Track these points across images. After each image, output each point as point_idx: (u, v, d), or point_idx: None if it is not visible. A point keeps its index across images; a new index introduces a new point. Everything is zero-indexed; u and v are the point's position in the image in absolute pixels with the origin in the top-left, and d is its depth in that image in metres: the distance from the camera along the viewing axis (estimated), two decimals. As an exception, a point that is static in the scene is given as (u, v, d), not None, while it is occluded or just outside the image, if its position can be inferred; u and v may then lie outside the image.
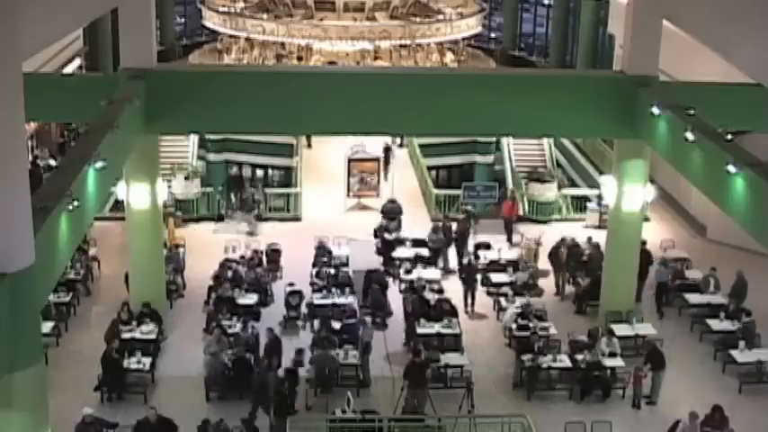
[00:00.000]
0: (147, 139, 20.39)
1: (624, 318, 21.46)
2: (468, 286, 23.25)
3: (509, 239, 27.05)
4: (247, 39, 37.52)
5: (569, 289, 24.21)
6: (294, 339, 21.49)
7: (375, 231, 26.44)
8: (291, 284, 22.82)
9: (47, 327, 19.80)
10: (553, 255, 24.39)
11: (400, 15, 37.45)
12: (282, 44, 36.92)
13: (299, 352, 18.94)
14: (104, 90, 18.96)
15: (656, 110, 18.55)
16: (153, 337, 20.31)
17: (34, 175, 26.45)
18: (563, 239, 24.67)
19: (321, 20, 36.23)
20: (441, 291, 22.77)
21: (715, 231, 27.34)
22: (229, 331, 20.23)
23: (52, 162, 30.28)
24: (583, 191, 31.01)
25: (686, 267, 24.64)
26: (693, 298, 22.92)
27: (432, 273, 24.00)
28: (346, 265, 24.49)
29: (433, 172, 32.47)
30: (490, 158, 33.95)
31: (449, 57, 38.55)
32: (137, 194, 20.84)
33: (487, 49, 46.24)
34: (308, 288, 22.92)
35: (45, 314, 20.17)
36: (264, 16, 36.95)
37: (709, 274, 23.57)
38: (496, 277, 24.01)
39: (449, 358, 19.78)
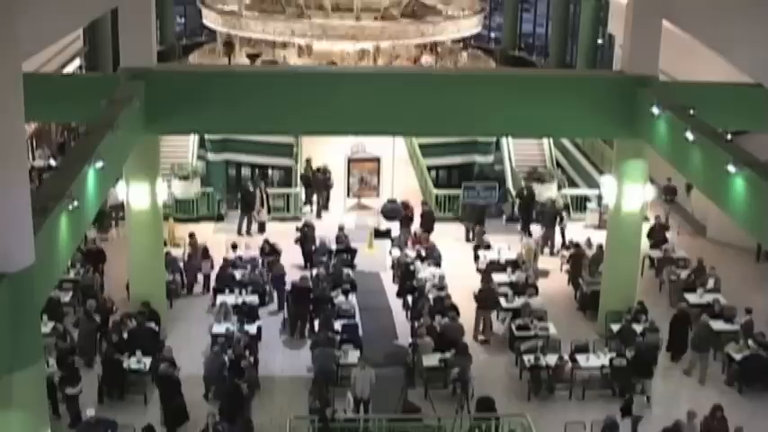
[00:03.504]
0: (147, 139, 20.38)
1: (630, 316, 21.37)
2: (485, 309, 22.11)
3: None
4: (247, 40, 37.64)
5: (570, 289, 24.34)
6: (295, 340, 21.64)
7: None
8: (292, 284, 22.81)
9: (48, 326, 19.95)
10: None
11: (398, 16, 37.40)
12: (283, 44, 37.00)
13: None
14: (104, 90, 18.94)
15: (656, 110, 18.55)
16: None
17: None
18: (577, 243, 24.93)
19: (309, 17, 36.26)
20: (442, 288, 22.75)
21: (715, 231, 27.35)
22: (230, 330, 20.27)
23: (52, 162, 30.29)
24: (583, 191, 31.01)
25: (686, 267, 24.68)
26: (693, 298, 22.91)
27: (434, 270, 23.96)
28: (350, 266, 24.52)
29: (433, 172, 32.45)
30: (490, 158, 33.94)
31: (447, 57, 38.56)
32: (137, 194, 20.84)
33: (487, 49, 46.23)
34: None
35: (51, 313, 20.30)
36: (257, 14, 36.97)
37: (708, 273, 23.59)
38: (496, 277, 24.01)
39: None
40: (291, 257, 25.08)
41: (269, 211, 28.10)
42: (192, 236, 24.93)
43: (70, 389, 18.00)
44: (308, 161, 30.25)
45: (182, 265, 24.22)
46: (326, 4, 36.34)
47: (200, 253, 24.32)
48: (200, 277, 24.26)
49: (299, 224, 26.34)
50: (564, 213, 27.80)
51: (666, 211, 28.56)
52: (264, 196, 27.97)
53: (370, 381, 18.22)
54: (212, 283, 23.56)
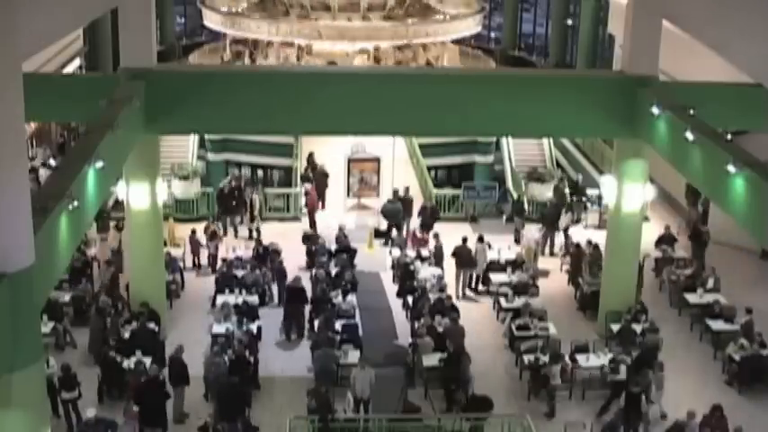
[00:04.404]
0: (147, 139, 20.37)
1: (630, 316, 21.37)
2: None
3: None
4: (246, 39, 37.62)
5: (571, 289, 24.40)
6: (295, 340, 21.65)
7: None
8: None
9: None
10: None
11: (398, 15, 37.40)
12: (281, 44, 37.00)
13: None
14: (104, 90, 18.93)
15: (656, 110, 18.55)
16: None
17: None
18: (578, 243, 25.03)
19: (315, 19, 36.26)
20: (443, 289, 22.76)
21: (715, 231, 27.32)
22: (230, 330, 20.28)
23: (52, 162, 30.28)
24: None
25: (686, 267, 24.68)
26: (693, 298, 22.92)
27: (434, 270, 23.96)
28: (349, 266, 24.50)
29: (433, 172, 32.45)
30: (490, 158, 33.93)
31: (447, 57, 38.53)
32: (137, 194, 20.83)
33: (487, 49, 46.22)
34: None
35: (51, 313, 20.33)
36: (258, 15, 36.96)
37: (708, 273, 23.60)
38: (496, 277, 24.01)
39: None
40: (291, 257, 25.07)
41: (252, 219, 27.56)
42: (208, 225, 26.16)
43: (66, 393, 18.00)
44: (311, 155, 30.30)
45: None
46: (333, 4, 36.31)
47: (209, 235, 25.51)
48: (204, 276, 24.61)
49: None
50: (572, 215, 27.93)
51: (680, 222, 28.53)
52: (249, 201, 27.62)
53: (369, 381, 18.21)
54: (218, 263, 24.51)
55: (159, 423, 17.70)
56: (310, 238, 25.71)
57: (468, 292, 24.17)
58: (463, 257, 24.03)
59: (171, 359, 18.74)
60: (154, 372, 18.06)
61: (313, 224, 27.73)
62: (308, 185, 29.06)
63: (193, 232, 25.56)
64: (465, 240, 24.29)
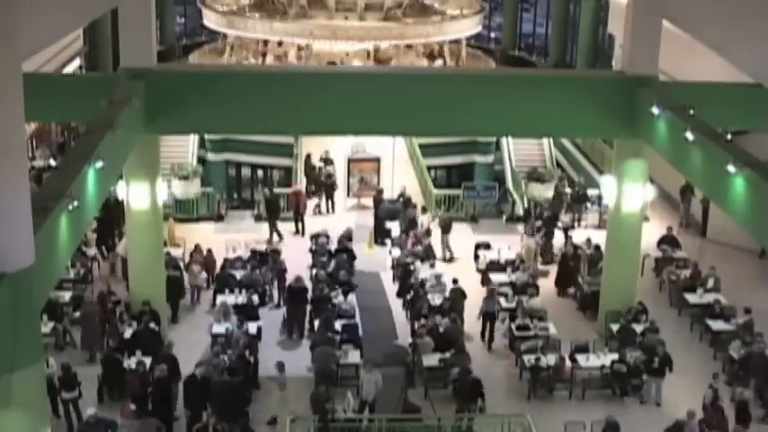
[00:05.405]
0: (147, 139, 20.37)
1: (630, 316, 21.39)
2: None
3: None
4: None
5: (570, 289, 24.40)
6: (295, 340, 21.64)
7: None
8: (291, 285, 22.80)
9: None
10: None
11: (399, 16, 37.38)
12: (280, 43, 37.00)
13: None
14: (104, 90, 18.93)
15: (656, 110, 18.55)
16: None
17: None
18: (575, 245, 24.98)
19: (312, 18, 36.28)
20: (443, 289, 22.74)
21: (715, 231, 27.34)
22: (230, 330, 20.27)
23: (52, 162, 30.29)
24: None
25: (686, 267, 24.67)
26: (693, 298, 22.92)
27: (434, 271, 23.94)
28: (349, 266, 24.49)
29: (433, 172, 32.46)
30: (490, 158, 33.95)
31: (448, 58, 38.54)
32: (137, 194, 20.83)
33: (487, 49, 46.23)
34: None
35: (51, 313, 20.32)
36: (257, 15, 36.98)
37: (708, 273, 23.60)
38: (496, 277, 24.00)
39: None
40: (291, 257, 25.07)
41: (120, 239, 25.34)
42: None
43: (66, 393, 17.99)
44: (308, 157, 30.34)
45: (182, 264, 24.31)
46: (330, 4, 36.31)
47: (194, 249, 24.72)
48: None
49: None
50: (573, 215, 27.92)
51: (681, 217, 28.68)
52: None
53: (376, 383, 18.19)
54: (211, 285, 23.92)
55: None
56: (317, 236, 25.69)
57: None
58: (445, 226, 26.40)
59: (162, 356, 18.71)
60: (162, 373, 18.02)
61: (300, 226, 27.67)
62: (297, 186, 28.95)
63: (210, 252, 24.54)
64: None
